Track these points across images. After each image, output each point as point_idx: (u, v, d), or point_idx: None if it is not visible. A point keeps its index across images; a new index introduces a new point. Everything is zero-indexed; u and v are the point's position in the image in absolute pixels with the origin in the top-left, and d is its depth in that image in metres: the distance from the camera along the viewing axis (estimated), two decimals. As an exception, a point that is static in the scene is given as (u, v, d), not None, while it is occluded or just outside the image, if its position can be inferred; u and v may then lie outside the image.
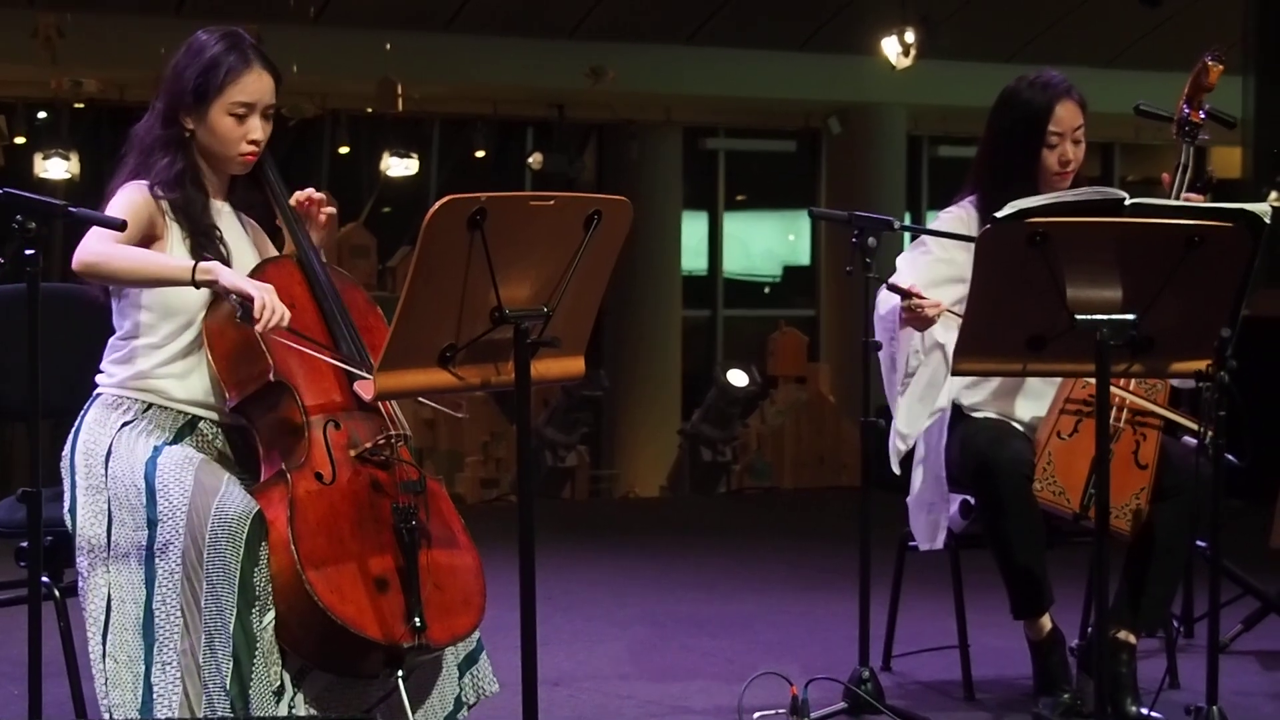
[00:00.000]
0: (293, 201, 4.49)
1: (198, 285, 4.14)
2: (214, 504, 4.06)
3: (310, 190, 4.51)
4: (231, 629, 4.02)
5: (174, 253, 4.28)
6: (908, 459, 5.25)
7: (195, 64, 4.32)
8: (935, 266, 5.17)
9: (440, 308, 3.85)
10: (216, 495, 4.07)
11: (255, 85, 4.34)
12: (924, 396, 5.16)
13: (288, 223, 4.47)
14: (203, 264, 4.14)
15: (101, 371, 4.39)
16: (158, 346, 4.31)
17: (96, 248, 4.13)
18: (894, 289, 4.97)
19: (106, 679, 4.15)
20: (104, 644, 4.17)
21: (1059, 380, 5.07)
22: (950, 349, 5.11)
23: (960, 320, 4.95)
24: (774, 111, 17.79)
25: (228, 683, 4.01)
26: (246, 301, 4.10)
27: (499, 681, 4.44)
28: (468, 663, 4.40)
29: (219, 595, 4.03)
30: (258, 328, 4.10)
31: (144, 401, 4.30)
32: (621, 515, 12.16)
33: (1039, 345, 4.42)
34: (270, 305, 4.10)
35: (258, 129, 4.36)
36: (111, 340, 4.38)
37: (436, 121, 17.38)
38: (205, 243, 4.31)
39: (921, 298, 4.93)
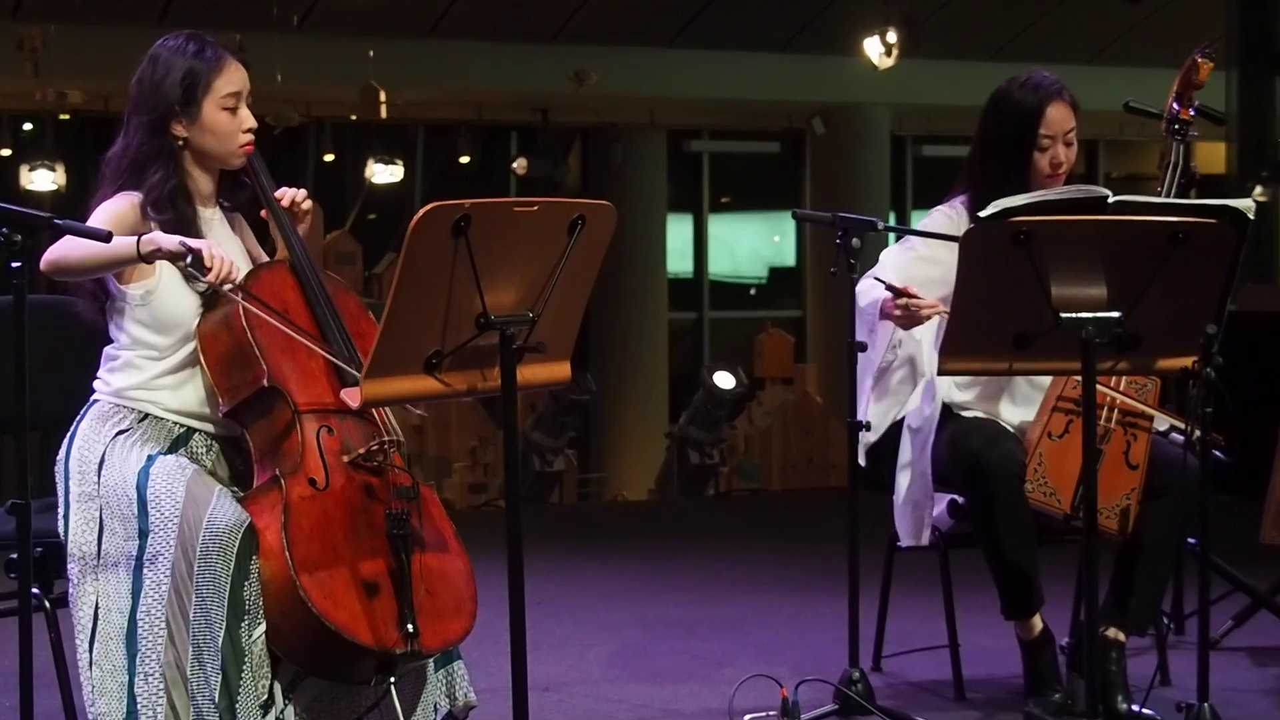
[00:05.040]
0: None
1: (146, 259, 4.09)
2: (205, 516, 4.05)
3: (289, 192, 4.48)
4: (221, 643, 4.01)
5: (163, 275, 4.26)
6: (884, 459, 5.25)
7: (175, 69, 4.30)
8: (919, 265, 5.15)
9: (426, 314, 3.84)
10: (208, 507, 4.06)
11: (238, 75, 4.36)
12: (895, 392, 5.19)
13: (280, 225, 4.44)
14: (145, 236, 4.09)
15: (99, 379, 4.37)
16: (154, 359, 4.29)
17: (57, 247, 4.12)
18: (889, 287, 4.96)
19: (93, 687, 4.15)
20: (90, 652, 4.16)
21: (1048, 382, 5.07)
22: (925, 350, 5.15)
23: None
24: (757, 113, 17.80)
25: (216, 696, 4.01)
26: (195, 253, 4.07)
27: (488, 688, 4.43)
28: (444, 659, 4.38)
29: (208, 609, 4.02)
30: (210, 277, 4.07)
31: (140, 411, 4.29)
32: (610, 519, 12.13)
33: (1024, 344, 4.42)
34: (219, 255, 4.09)
35: (249, 117, 4.38)
36: (107, 350, 4.36)
37: (420, 127, 17.41)
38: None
39: (915, 297, 4.92)
